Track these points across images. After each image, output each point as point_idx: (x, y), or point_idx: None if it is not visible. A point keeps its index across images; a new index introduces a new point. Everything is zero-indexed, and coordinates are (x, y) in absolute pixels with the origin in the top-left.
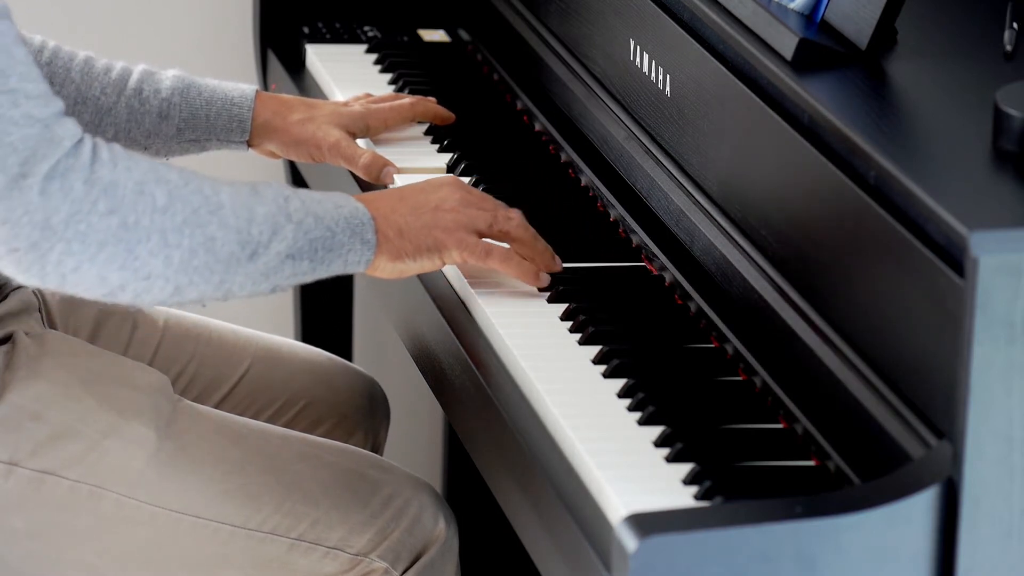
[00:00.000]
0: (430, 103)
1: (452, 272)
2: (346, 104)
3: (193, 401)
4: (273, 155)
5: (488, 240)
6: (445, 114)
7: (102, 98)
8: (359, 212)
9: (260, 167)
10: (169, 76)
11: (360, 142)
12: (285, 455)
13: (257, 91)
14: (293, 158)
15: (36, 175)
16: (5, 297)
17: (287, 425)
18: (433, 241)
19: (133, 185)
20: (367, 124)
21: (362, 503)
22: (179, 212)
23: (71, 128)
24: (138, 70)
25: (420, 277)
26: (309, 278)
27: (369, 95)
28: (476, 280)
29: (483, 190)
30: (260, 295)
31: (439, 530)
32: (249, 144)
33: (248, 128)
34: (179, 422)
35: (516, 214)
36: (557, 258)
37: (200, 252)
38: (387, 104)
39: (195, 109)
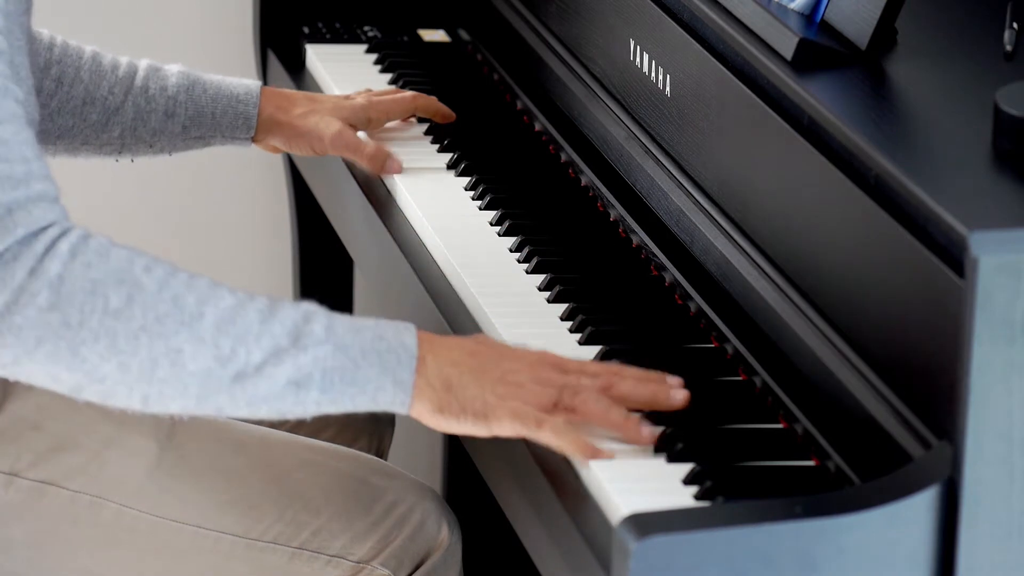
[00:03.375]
0: (432, 98)
1: (452, 273)
2: (348, 97)
3: None
4: (276, 150)
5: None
6: (446, 111)
7: (109, 98)
8: (402, 348)
9: (256, 161)
10: (174, 73)
11: (360, 137)
12: (287, 463)
13: (261, 87)
14: (295, 151)
15: None
16: None
17: (291, 431)
18: (483, 406)
19: (85, 283)
20: (368, 117)
21: (364, 510)
22: (136, 318)
23: (37, 215)
24: (143, 66)
25: (419, 275)
26: (331, 409)
27: (370, 90)
28: (477, 282)
29: (483, 190)
30: (269, 419)
31: (442, 536)
32: (252, 139)
33: (253, 125)
34: (180, 432)
35: (591, 384)
36: (644, 427)
37: (163, 364)
38: (389, 97)
39: (200, 107)
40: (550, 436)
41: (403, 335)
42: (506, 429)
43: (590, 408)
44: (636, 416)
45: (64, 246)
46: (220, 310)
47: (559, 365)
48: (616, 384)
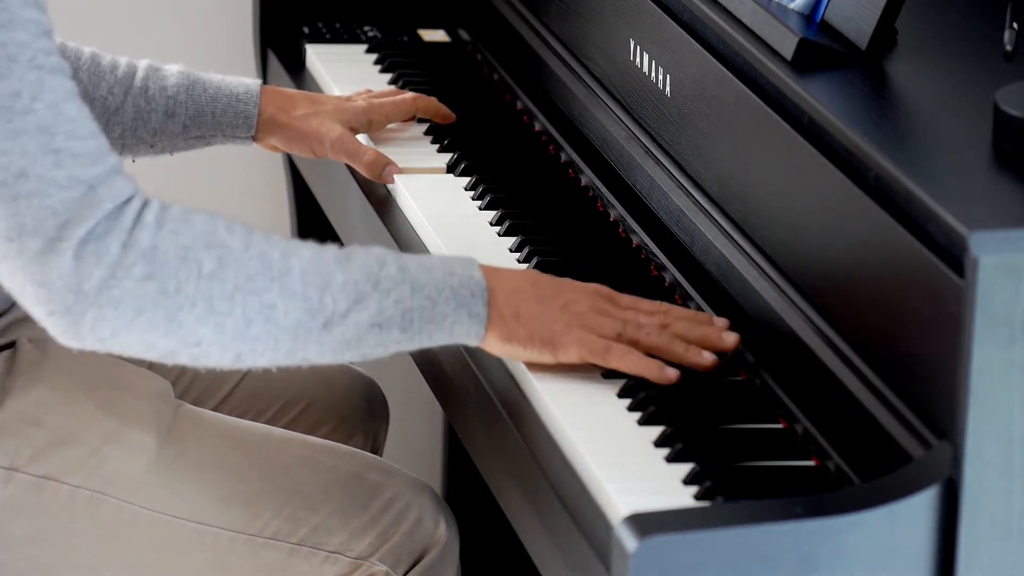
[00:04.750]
0: (432, 99)
1: None
2: (349, 99)
3: (193, 403)
4: (276, 149)
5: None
6: (446, 112)
7: (109, 98)
8: (472, 282)
9: (256, 161)
10: (174, 73)
11: (361, 138)
12: (285, 459)
13: (261, 86)
14: (295, 152)
15: (72, 238)
16: (12, 306)
17: (287, 427)
18: (550, 334)
19: (177, 250)
20: (369, 120)
21: (362, 507)
22: (230, 279)
23: (119, 188)
24: (143, 66)
25: None
26: (409, 347)
27: (370, 90)
28: None
29: (483, 190)
30: (350, 361)
31: (440, 533)
32: (253, 138)
33: (254, 124)
34: (180, 427)
35: (649, 321)
36: (705, 353)
37: (258, 320)
38: (389, 99)
39: (201, 106)
40: (616, 360)
41: (470, 268)
42: (572, 355)
43: (653, 340)
44: (695, 347)
45: (150, 216)
46: (303, 262)
47: (614, 298)
48: (671, 324)
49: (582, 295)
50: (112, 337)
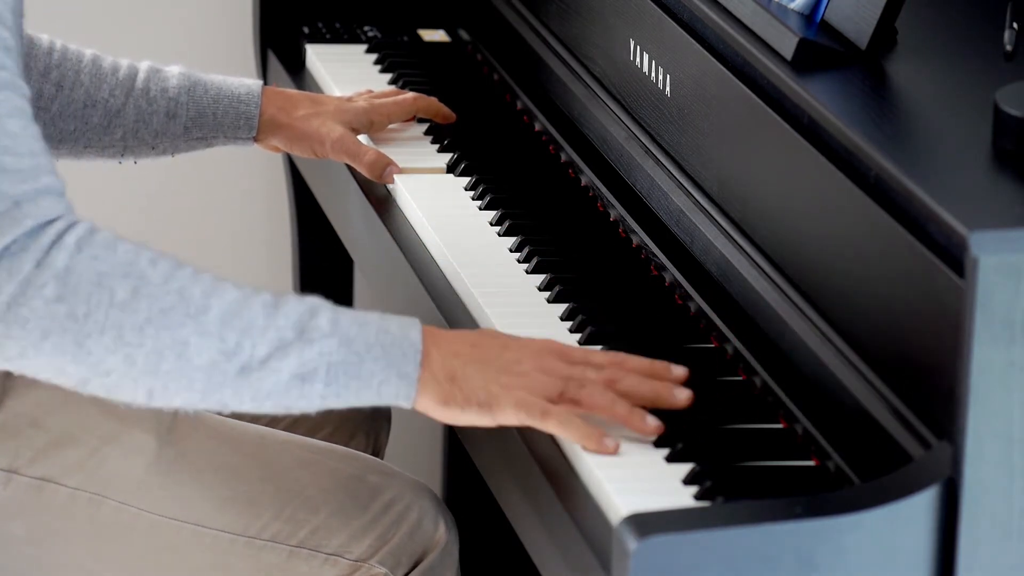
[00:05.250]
0: (432, 99)
1: (452, 273)
2: (350, 99)
3: None
4: (277, 149)
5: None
6: (447, 112)
7: (111, 100)
8: (405, 342)
9: (256, 161)
10: (175, 74)
11: (362, 139)
12: (285, 461)
13: (263, 87)
14: (296, 153)
15: None
16: None
17: (288, 429)
18: (487, 396)
19: (92, 275)
20: (370, 120)
21: (362, 508)
22: (142, 310)
23: (45, 207)
24: (144, 68)
25: (419, 275)
26: (337, 404)
27: (370, 91)
28: (477, 282)
29: (483, 190)
30: (273, 414)
31: (439, 535)
32: (254, 139)
33: (255, 125)
34: (179, 428)
35: (596, 377)
36: (649, 418)
37: (169, 356)
38: (390, 99)
39: (202, 108)
40: (556, 426)
41: (408, 329)
42: (510, 418)
43: (596, 401)
44: (640, 410)
45: (71, 239)
46: (226, 303)
47: (563, 354)
48: (620, 379)
49: (526, 354)
50: (21, 358)
